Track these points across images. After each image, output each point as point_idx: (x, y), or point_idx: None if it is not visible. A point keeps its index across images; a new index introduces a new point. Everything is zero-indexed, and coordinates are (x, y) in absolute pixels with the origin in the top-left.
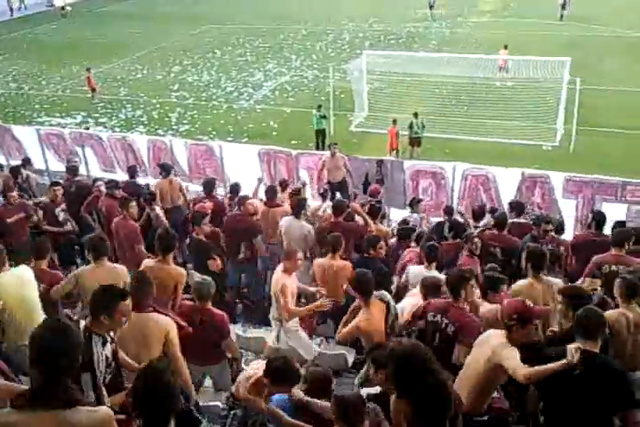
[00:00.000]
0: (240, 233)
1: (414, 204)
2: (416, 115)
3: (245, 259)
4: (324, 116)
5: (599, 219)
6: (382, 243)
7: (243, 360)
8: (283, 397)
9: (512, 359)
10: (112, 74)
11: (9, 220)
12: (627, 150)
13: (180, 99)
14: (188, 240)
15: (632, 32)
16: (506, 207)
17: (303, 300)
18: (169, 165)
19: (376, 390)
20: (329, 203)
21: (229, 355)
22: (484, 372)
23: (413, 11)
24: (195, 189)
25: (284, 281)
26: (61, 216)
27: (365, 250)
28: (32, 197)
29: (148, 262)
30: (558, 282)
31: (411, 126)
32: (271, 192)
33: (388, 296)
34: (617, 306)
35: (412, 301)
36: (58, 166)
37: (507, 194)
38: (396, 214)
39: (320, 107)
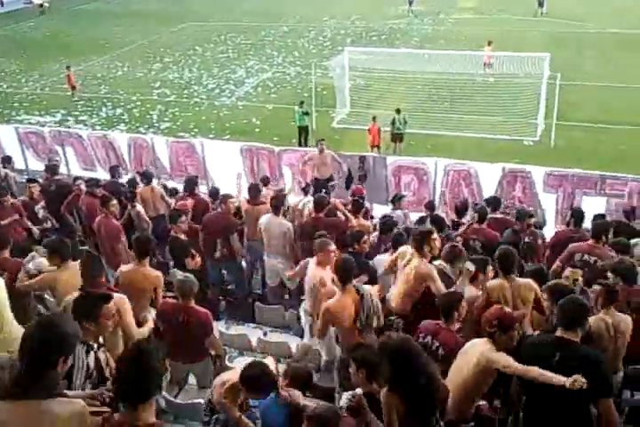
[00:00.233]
0: (217, 231)
1: (397, 200)
2: (398, 111)
3: (223, 256)
4: (307, 113)
5: (578, 215)
6: (366, 237)
7: (227, 357)
8: (270, 398)
9: (504, 359)
10: (92, 71)
11: (2, 222)
12: (606, 145)
13: (162, 96)
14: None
15: (609, 28)
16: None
17: None
18: (150, 173)
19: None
20: (309, 198)
21: (213, 352)
22: (471, 376)
23: (395, 7)
24: (175, 186)
25: (321, 274)
26: (41, 213)
27: (350, 245)
28: (12, 196)
29: (124, 267)
30: (528, 282)
31: (393, 122)
32: (254, 190)
33: (367, 291)
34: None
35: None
36: (37, 166)
37: (488, 189)
38: (379, 210)
39: (302, 103)
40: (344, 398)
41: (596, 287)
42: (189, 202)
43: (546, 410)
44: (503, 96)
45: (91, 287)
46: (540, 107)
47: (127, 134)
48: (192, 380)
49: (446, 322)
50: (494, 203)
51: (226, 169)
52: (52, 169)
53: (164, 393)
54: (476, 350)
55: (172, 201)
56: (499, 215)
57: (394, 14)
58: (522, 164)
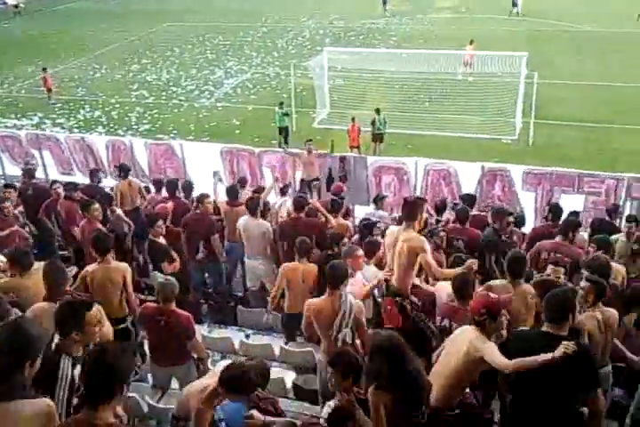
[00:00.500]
0: (197, 232)
1: (378, 200)
2: (378, 111)
3: (205, 257)
4: (287, 114)
5: (555, 211)
6: (346, 240)
7: (209, 361)
8: (236, 405)
9: (493, 352)
10: (69, 73)
11: (1, 233)
12: (583, 142)
13: (140, 98)
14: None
15: (584, 27)
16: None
17: None
18: (127, 166)
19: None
20: (285, 198)
21: (195, 355)
22: (462, 365)
23: (373, 7)
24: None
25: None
26: (20, 219)
27: (329, 247)
28: None
29: (90, 267)
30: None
31: (373, 123)
32: (233, 192)
33: (349, 304)
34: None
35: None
36: (14, 170)
37: (468, 188)
38: (361, 211)
39: (282, 104)
40: (326, 408)
41: (585, 284)
42: (169, 205)
43: (533, 407)
44: (482, 95)
45: (56, 296)
46: (517, 105)
47: (105, 137)
48: (175, 384)
49: (463, 303)
50: (469, 200)
51: (206, 171)
52: (28, 173)
53: (146, 398)
54: (465, 339)
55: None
56: (475, 212)
57: (372, 14)
58: (501, 162)
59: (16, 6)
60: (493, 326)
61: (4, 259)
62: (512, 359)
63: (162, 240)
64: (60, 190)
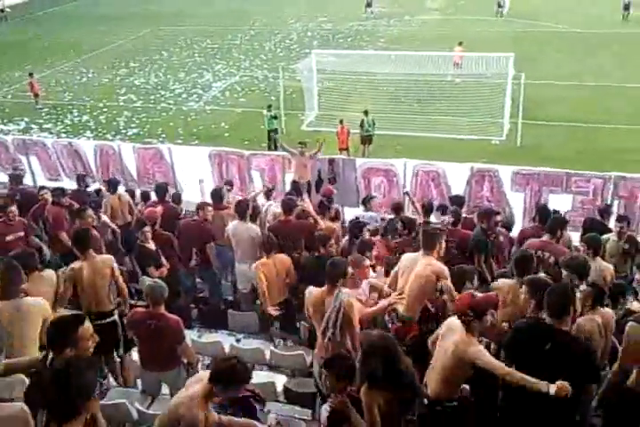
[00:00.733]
0: (193, 239)
1: (367, 201)
2: (366, 112)
3: (198, 264)
4: (275, 117)
5: (543, 212)
6: (332, 241)
7: (199, 365)
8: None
9: (483, 357)
10: (56, 78)
11: (7, 238)
12: (570, 142)
13: (128, 102)
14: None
15: (570, 27)
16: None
17: None
18: (116, 180)
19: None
20: (270, 202)
21: (185, 360)
22: (452, 364)
23: (360, 9)
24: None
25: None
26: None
27: (316, 248)
28: None
29: (75, 264)
30: None
31: (362, 124)
32: (217, 195)
33: (342, 304)
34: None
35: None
36: (0, 177)
37: (457, 189)
38: (350, 213)
39: (270, 107)
40: (323, 412)
41: (585, 288)
42: (158, 209)
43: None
44: (470, 96)
45: (10, 297)
46: (505, 106)
47: (93, 142)
48: (165, 390)
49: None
50: (457, 201)
51: (195, 175)
52: (16, 178)
53: (135, 404)
54: (453, 338)
55: (141, 206)
56: (464, 215)
57: (360, 16)
58: (490, 163)
59: (2, 11)
60: (479, 324)
61: None
62: (512, 352)
63: (151, 245)
64: (48, 196)
